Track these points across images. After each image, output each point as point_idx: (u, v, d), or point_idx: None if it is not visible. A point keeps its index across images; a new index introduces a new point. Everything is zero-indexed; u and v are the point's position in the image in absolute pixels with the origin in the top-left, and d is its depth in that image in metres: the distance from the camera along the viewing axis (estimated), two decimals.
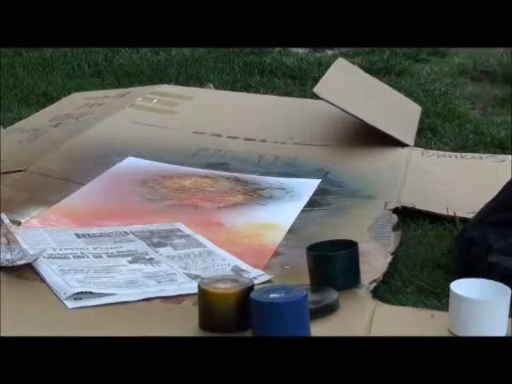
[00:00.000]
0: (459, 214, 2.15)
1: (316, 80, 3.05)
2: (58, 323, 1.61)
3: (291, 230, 2.09)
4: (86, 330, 1.56)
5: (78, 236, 1.98)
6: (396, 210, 2.20)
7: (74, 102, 3.23)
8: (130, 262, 1.86)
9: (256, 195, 2.33)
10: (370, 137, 2.73)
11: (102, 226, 2.06)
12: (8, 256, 1.80)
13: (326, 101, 2.71)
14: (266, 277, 1.80)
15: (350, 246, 1.78)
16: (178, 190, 2.34)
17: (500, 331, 1.54)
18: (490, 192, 2.15)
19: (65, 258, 1.84)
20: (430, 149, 2.77)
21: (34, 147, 2.63)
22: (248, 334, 1.55)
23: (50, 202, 2.19)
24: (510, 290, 1.56)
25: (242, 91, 3.48)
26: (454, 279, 1.64)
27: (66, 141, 2.67)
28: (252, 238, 2.04)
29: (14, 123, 2.96)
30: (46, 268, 1.78)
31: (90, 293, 1.68)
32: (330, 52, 4.18)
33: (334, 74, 3.01)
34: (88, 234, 1.99)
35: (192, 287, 1.70)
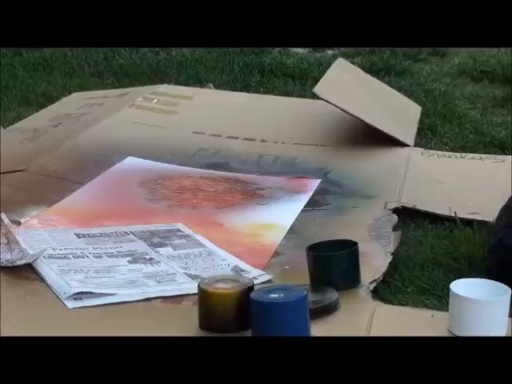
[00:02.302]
0: (459, 214, 2.15)
1: (316, 80, 3.05)
2: (58, 323, 1.61)
3: (291, 230, 2.09)
4: (86, 329, 1.56)
5: (78, 236, 1.98)
6: (396, 210, 2.20)
7: (74, 102, 3.23)
8: (130, 262, 1.86)
9: (256, 195, 2.33)
10: (369, 137, 2.73)
11: (101, 226, 2.06)
12: (8, 256, 1.80)
13: (326, 101, 2.71)
14: (266, 277, 1.80)
15: (350, 246, 1.78)
16: (177, 190, 2.34)
17: (500, 331, 1.54)
18: (490, 192, 2.15)
19: (65, 257, 1.84)
20: (430, 149, 2.77)
21: (34, 147, 2.63)
22: (248, 333, 1.55)
23: (50, 202, 2.19)
24: (510, 289, 1.56)
25: (242, 91, 3.48)
26: (454, 279, 1.65)
27: (65, 141, 2.67)
28: (252, 238, 2.04)
29: (14, 123, 2.96)
30: (46, 268, 1.78)
31: (90, 293, 1.68)
32: (330, 52, 4.18)
33: (334, 74, 3.01)
34: (88, 234, 1.99)
35: (192, 287, 1.70)
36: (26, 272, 1.78)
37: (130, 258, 1.88)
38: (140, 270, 1.82)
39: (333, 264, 1.76)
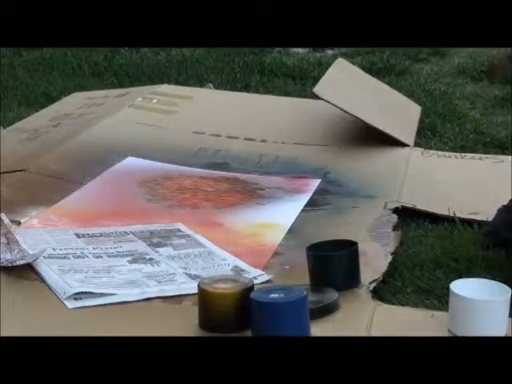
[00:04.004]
0: (459, 214, 2.15)
1: (316, 80, 3.05)
2: (58, 323, 1.61)
3: (291, 230, 2.09)
4: (86, 330, 1.56)
5: (78, 236, 1.98)
6: (396, 210, 2.20)
7: (74, 102, 3.24)
8: (130, 262, 1.86)
9: (256, 195, 2.33)
10: (370, 137, 2.73)
11: (101, 226, 2.06)
12: (8, 256, 1.80)
13: (326, 101, 2.71)
14: (266, 277, 1.80)
15: (350, 246, 1.78)
16: (177, 190, 2.34)
17: (500, 331, 1.54)
18: (489, 192, 2.15)
19: (65, 257, 1.84)
20: (430, 149, 2.77)
21: (34, 147, 2.63)
22: (248, 333, 1.55)
23: (50, 202, 2.19)
24: (510, 289, 1.56)
25: (241, 91, 3.48)
26: (454, 279, 1.65)
27: (66, 141, 2.67)
28: (252, 238, 2.04)
29: (14, 123, 2.96)
30: (46, 268, 1.77)
31: (90, 293, 1.68)
32: (330, 52, 4.18)
33: (334, 74, 3.01)
34: (88, 234, 1.99)
35: (192, 287, 1.70)
36: (26, 272, 1.77)
37: (129, 258, 1.88)
38: (140, 270, 1.82)
39: (333, 264, 1.75)
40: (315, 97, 2.74)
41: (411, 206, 2.24)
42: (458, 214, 2.15)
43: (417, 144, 2.80)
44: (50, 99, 3.35)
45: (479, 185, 2.27)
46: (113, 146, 2.64)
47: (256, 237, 2.05)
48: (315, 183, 2.41)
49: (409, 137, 2.81)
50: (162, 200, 2.27)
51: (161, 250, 1.93)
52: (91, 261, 1.85)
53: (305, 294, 1.54)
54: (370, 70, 3.67)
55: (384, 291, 1.82)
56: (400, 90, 3.36)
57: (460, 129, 3.00)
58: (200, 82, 3.61)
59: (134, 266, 1.84)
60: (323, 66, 3.66)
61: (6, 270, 1.76)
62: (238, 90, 3.48)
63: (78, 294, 1.67)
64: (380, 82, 3.35)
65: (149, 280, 1.77)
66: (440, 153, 2.73)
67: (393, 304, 1.77)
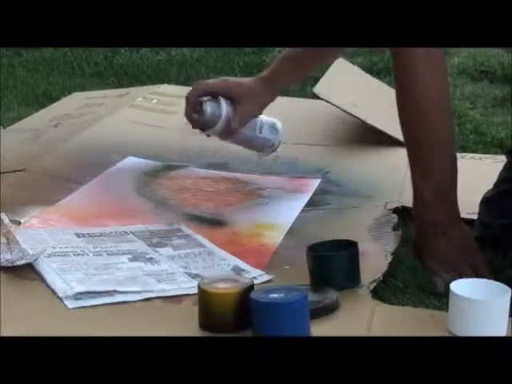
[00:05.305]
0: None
1: (316, 80, 3.05)
2: (58, 323, 1.61)
3: (291, 230, 2.09)
4: (86, 329, 1.56)
5: (78, 236, 1.98)
6: (396, 210, 2.20)
7: (74, 101, 3.23)
8: (130, 260, 1.86)
9: (256, 195, 2.33)
10: (370, 137, 2.72)
11: (101, 225, 2.06)
12: (8, 256, 1.80)
13: (326, 101, 2.71)
14: (266, 277, 1.80)
15: (350, 246, 1.78)
16: (178, 191, 2.34)
17: (500, 331, 1.54)
18: None
19: (65, 255, 1.84)
20: None
21: (34, 147, 2.63)
22: (248, 334, 1.55)
23: (50, 202, 2.19)
24: (510, 289, 1.56)
25: None
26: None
27: (66, 141, 2.67)
28: (252, 238, 2.04)
29: (13, 123, 2.96)
30: (46, 267, 1.77)
31: (90, 292, 1.68)
32: None
33: (334, 74, 3.00)
34: (88, 234, 1.99)
35: (192, 287, 1.70)
36: (26, 272, 1.77)
37: (130, 256, 1.88)
38: (140, 268, 1.82)
39: (333, 264, 1.75)
40: (315, 97, 2.74)
41: (411, 206, 2.23)
42: None
43: None
44: (50, 99, 3.35)
45: (479, 185, 2.26)
46: (113, 146, 2.64)
47: (256, 237, 2.05)
48: (315, 183, 2.41)
49: None
50: (162, 200, 2.27)
51: (161, 249, 1.93)
52: (91, 258, 1.85)
53: (305, 294, 1.54)
54: (370, 69, 3.67)
55: (384, 291, 1.82)
56: None
57: (460, 129, 3.00)
58: None
59: (134, 264, 1.84)
60: (323, 66, 3.65)
61: (6, 270, 1.76)
62: None
63: (78, 293, 1.67)
64: (380, 82, 3.35)
65: (149, 278, 1.77)
66: None
67: (393, 304, 1.77)
